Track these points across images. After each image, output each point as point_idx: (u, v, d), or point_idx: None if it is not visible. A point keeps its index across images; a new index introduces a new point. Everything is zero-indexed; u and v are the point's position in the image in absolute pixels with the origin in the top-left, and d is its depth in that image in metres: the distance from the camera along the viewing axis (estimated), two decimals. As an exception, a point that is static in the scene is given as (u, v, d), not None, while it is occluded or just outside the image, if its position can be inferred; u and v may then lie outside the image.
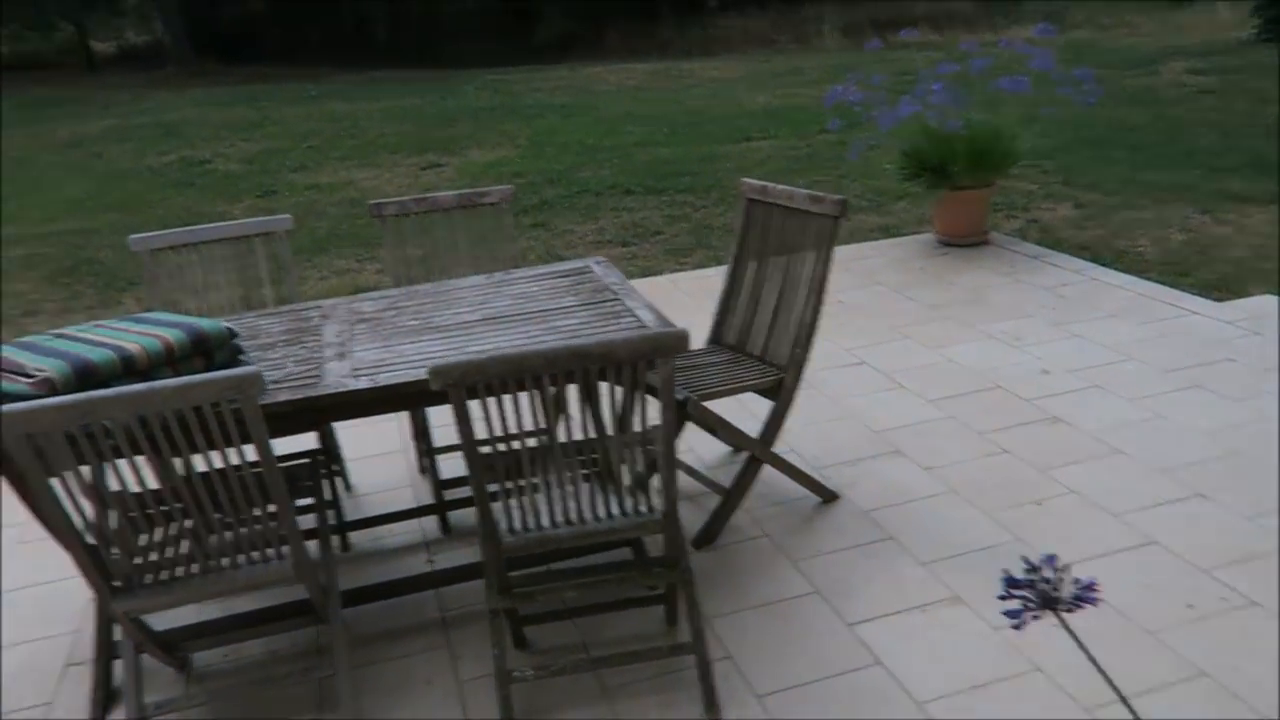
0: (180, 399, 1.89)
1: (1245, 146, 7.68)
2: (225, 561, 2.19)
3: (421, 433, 3.28)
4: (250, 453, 2.00)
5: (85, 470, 2.00)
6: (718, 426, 2.91)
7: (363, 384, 2.28)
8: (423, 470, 3.48)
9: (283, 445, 3.24)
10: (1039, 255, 5.45)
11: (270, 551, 2.20)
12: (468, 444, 2.07)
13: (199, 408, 1.91)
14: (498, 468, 2.21)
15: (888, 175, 6.92)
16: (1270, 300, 4.52)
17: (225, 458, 1.99)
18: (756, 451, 2.97)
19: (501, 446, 2.12)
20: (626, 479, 2.34)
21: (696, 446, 3.46)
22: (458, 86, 15.93)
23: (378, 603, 2.73)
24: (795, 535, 2.96)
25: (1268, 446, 3.24)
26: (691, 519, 2.99)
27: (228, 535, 2.17)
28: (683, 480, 3.10)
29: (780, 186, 3.06)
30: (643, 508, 2.27)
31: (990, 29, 11.21)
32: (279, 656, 2.61)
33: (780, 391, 2.94)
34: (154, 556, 2.21)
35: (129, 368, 2.14)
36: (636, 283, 4.50)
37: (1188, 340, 4.13)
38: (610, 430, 2.31)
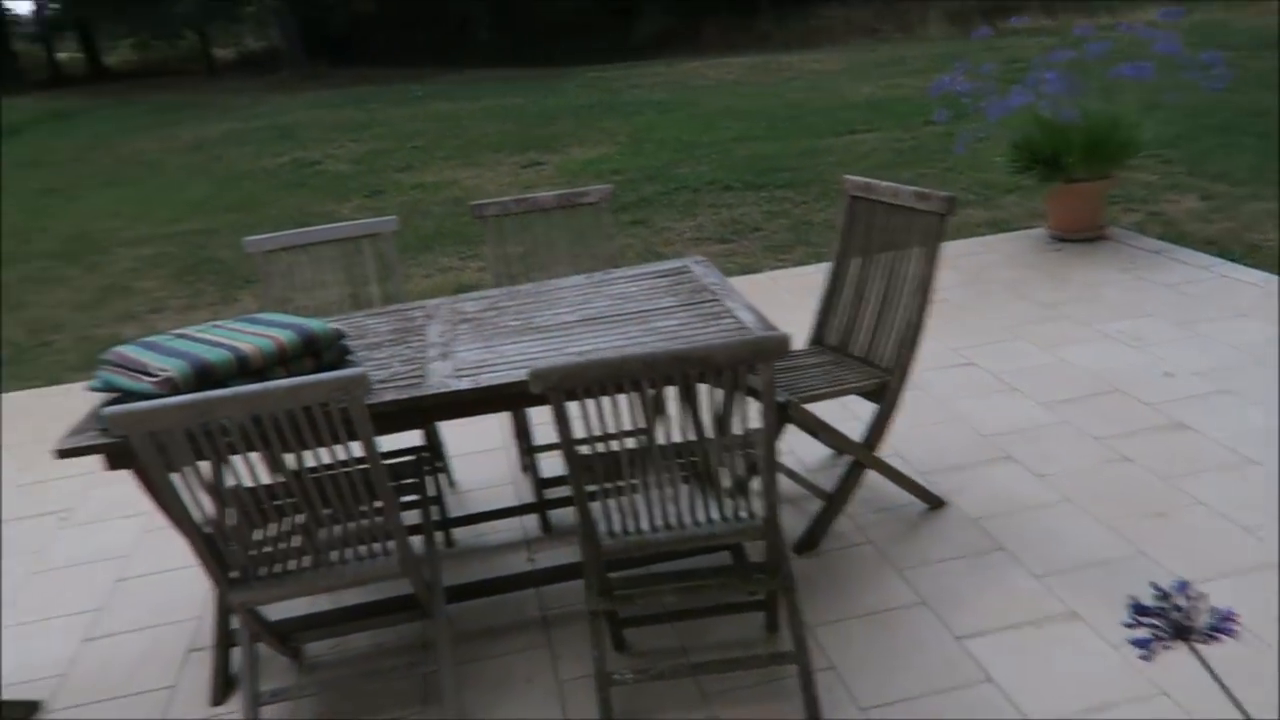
0: (291, 399, 1.95)
1: (1393, 131, 7.16)
2: (334, 556, 2.25)
3: (522, 431, 3.32)
4: (358, 449, 2.04)
5: (204, 466, 2.08)
6: (819, 429, 2.85)
7: (465, 385, 2.31)
8: (524, 468, 3.53)
9: (389, 441, 3.34)
10: (1161, 250, 5.18)
11: (377, 547, 2.25)
12: (567, 445, 2.08)
13: (309, 407, 1.97)
14: (596, 469, 2.21)
15: (997, 168, 6.69)
16: None
17: (333, 454, 2.04)
18: (860, 455, 2.90)
19: (600, 447, 2.12)
20: (726, 482, 2.31)
21: (797, 448, 3.40)
22: (558, 84, 16.11)
23: (480, 599, 2.77)
24: (900, 543, 2.89)
25: None
26: (792, 524, 2.94)
27: (337, 530, 2.23)
28: (783, 484, 3.05)
29: (884, 183, 2.98)
30: (743, 513, 2.24)
31: (1108, 12, 10.70)
32: (385, 649, 2.67)
33: (885, 394, 2.86)
34: (268, 550, 2.29)
35: (244, 367, 2.21)
36: (735, 280, 4.46)
37: (1328, 341, 3.87)
38: (709, 433, 2.29)
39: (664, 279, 2.98)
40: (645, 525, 2.22)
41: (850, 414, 3.14)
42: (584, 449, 2.11)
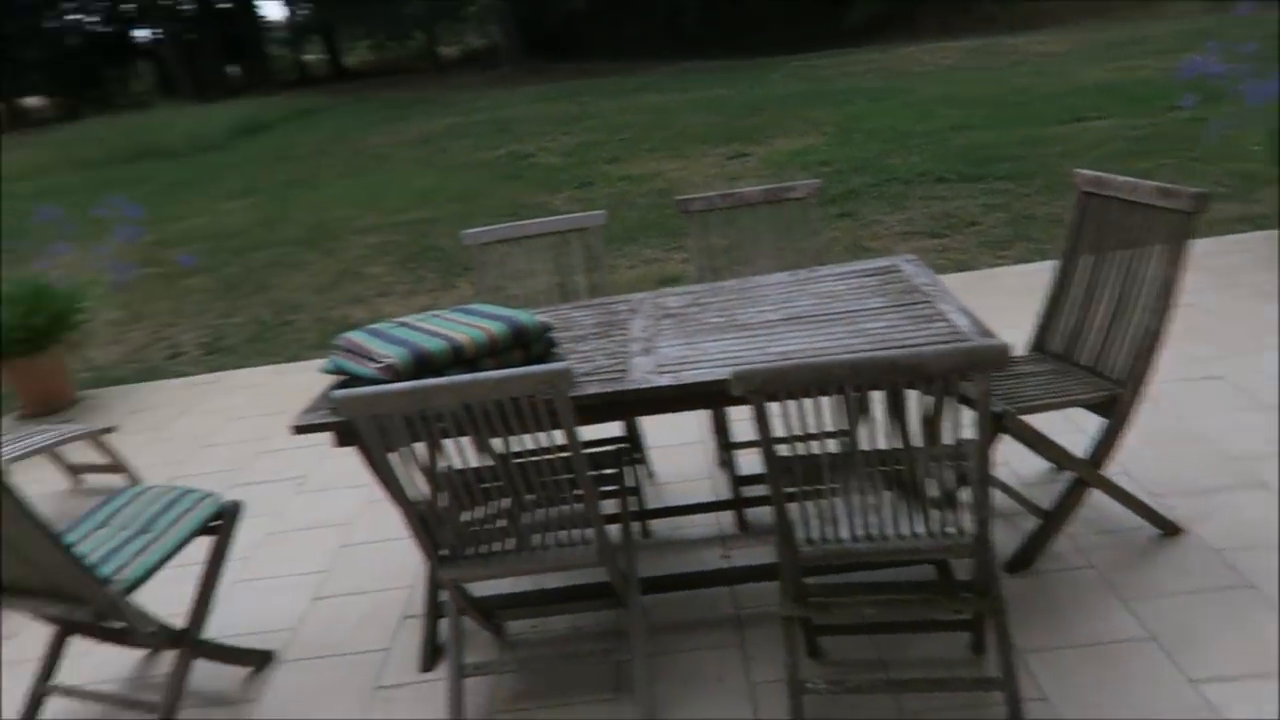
0: (500, 390, 2.02)
1: None
2: (536, 541, 2.32)
3: (720, 426, 3.30)
4: (560, 437, 2.10)
5: (420, 447, 2.19)
6: (1038, 443, 2.66)
7: (666, 381, 2.32)
8: (721, 463, 3.51)
9: (590, 431, 3.42)
10: None
11: (576, 534, 2.31)
12: (766, 446, 2.04)
13: (516, 398, 2.04)
14: (796, 471, 2.16)
15: (1255, 157, 6.02)
16: None
17: (537, 441, 2.10)
18: (1083, 473, 2.69)
19: (801, 449, 2.07)
20: (933, 494, 2.20)
21: (1012, 460, 3.20)
22: (765, 74, 15.97)
23: (674, 593, 2.79)
24: (1127, 570, 2.65)
25: None
26: (1004, 540, 2.77)
27: (539, 516, 2.30)
28: (995, 498, 2.88)
29: (1121, 178, 2.74)
30: (950, 527, 2.13)
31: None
32: (582, 633, 2.74)
33: (1115, 407, 2.64)
34: (475, 531, 2.39)
35: (458, 357, 2.33)
36: (948, 278, 4.25)
37: None
38: (917, 441, 2.18)
39: (872, 278, 2.87)
40: (845, 534, 2.15)
41: (1073, 426, 2.92)
42: (783, 450, 2.06)
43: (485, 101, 17.90)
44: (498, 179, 10.46)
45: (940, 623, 2.44)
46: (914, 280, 2.78)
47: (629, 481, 2.93)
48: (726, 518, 3.19)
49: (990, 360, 1.88)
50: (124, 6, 34.39)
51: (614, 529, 2.57)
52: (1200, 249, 4.90)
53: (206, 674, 2.73)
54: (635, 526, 3.15)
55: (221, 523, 2.70)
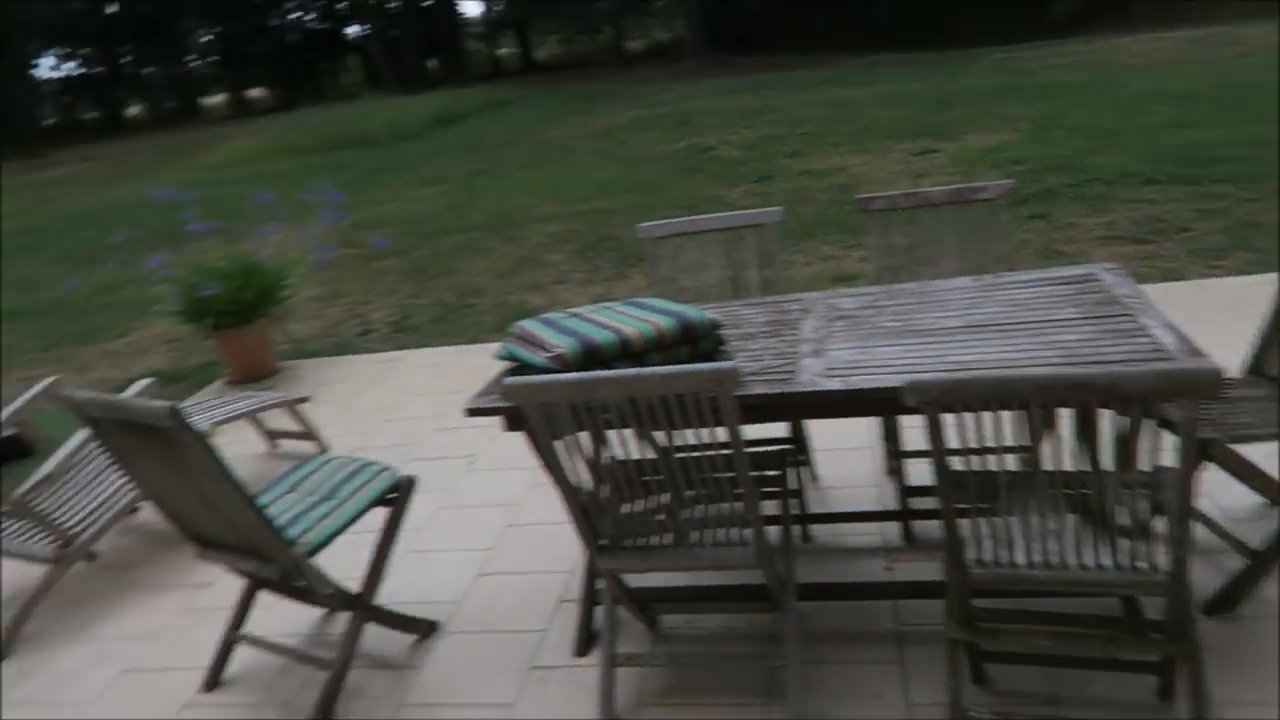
0: (666, 386, 2.02)
1: None
2: (694, 538, 2.30)
3: (891, 433, 3.18)
4: (724, 435, 2.07)
5: (584, 437, 2.22)
6: (1249, 475, 2.41)
7: (835, 385, 2.24)
8: (889, 472, 3.39)
9: (753, 430, 3.37)
10: None
11: (735, 534, 2.28)
12: (939, 459, 1.94)
13: (681, 395, 2.03)
14: (970, 487, 2.04)
15: None
16: None
17: (700, 439, 2.08)
18: (1302, 511, 2.41)
19: (976, 464, 1.95)
20: (1123, 522, 2.03)
21: (1215, 490, 2.92)
22: (961, 67, 15.31)
23: (833, 601, 2.71)
24: (1350, 623, 2.37)
25: None
26: (1203, 579, 2.53)
27: (698, 512, 2.28)
28: (1195, 531, 2.63)
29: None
30: (1141, 561, 1.96)
31: None
32: (736, 634, 2.70)
33: (1346, 442, 2.35)
34: (634, 524, 2.40)
35: (626, 350, 2.34)
36: (1152, 288, 3.94)
37: None
38: (1108, 466, 2.02)
39: (1066, 286, 2.68)
40: (1020, 558, 2.01)
41: (1292, 459, 2.63)
42: (957, 463, 1.96)
43: (669, 94, 18.04)
44: (677, 171, 10.51)
45: (1124, 663, 2.25)
46: (1114, 290, 2.58)
47: (791, 484, 2.87)
48: (892, 528, 3.07)
49: (1199, 384, 1.71)
50: (338, 5, 36.93)
51: (773, 531, 2.52)
52: None
53: (376, 637, 2.87)
54: (795, 530, 3.08)
55: (397, 495, 2.84)
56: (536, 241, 8.31)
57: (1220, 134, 8.03)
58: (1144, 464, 1.95)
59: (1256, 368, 2.70)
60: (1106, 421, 1.94)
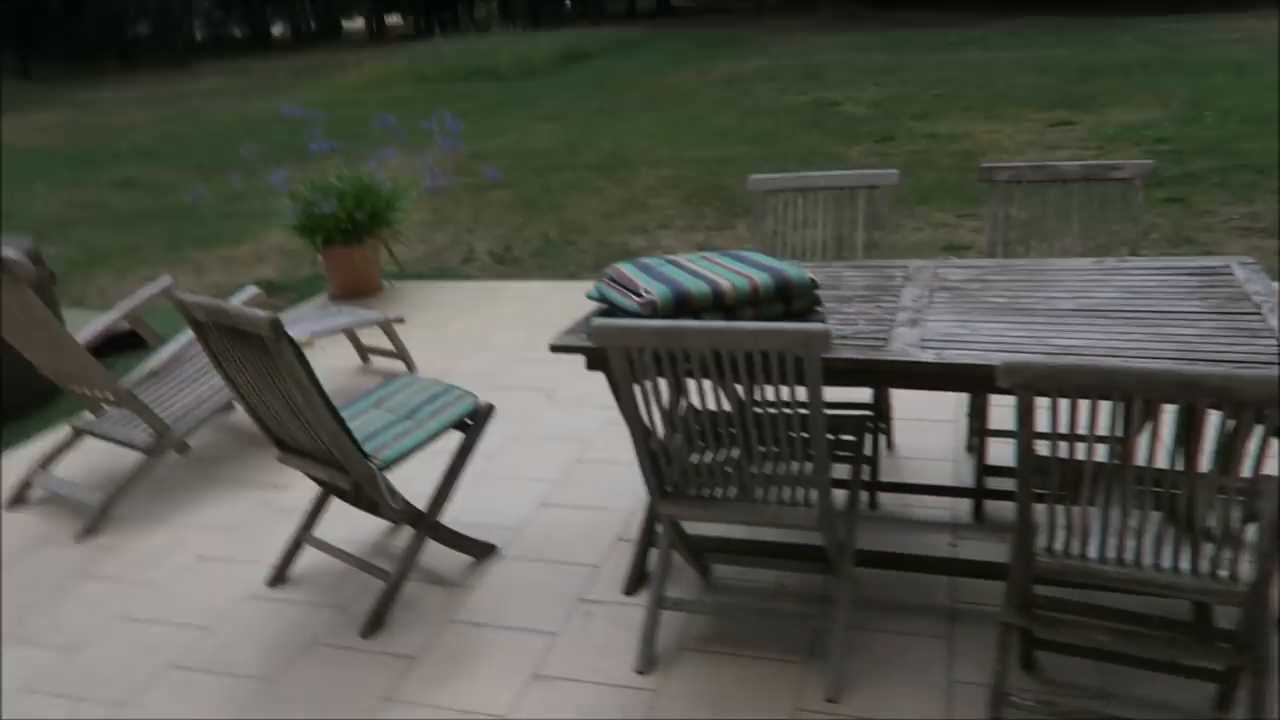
0: (754, 342, 1.97)
1: None
2: (759, 494, 2.26)
3: (979, 410, 3.06)
4: (804, 395, 2.01)
5: (663, 383, 2.19)
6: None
7: (927, 357, 2.15)
8: (969, 448, 3.27)
9: (835, 392, 3.28)
10: None
11: (800, 495, 2.23)
12: (1024, 442, 1.84)
13: (766, 352, 1.98)
14: (1052, 473, 1.94)
15: None
16: None
17: (779, 396, 2.03)
18: None
19: (1063, 451, 1.85)
20: (1211, 528, 1.90)
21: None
22: (1113, 36, 14.42)
23: (889, 570, 2.64)
24: None
25: None
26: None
27: (767, 469, 2.24)
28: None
29: None
30: (1223, 570, 1.83)
31: None
32: (786, 591, 2.67)
33: None
34: (701, 474, 2.37)
35: (718, 302, 2.29)
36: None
37: None
38: (1205, 468, 1.88)
39: (1193, 277, 2.49)
40: (1093, 552, 1.91)
41: None
42: (1043, 447, 1.86)
43: (799, 46, 17.57)
44: (798, 125, 10.26)
45: (1182, 667, 2.12)
46: (1246, 286, 2.39)
47: (866, 450, 2.79)
48: (963, 505, 2.96)
49: (1319, 392, 1.56)
50: (479, -66, 37.07)
51: (840, 495, 2.46)
52: None
53: (435, 554, 2.94)
54: (863, 497, 3.01)
55: (474, 422, 2.88)
56: (645, 185, 8.26)
57: (1396, 126, 7.36)
58: (1244, 470, 1.82)
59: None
60: (1211, 422, 1.80)
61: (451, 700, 2.36)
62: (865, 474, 2.92)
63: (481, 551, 2.96)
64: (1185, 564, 1.86)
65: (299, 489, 3.44)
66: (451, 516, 3.10)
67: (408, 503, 2.76)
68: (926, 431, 3.43)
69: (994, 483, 2.90)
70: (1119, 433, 1.84)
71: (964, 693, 2.22)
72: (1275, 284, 2.40)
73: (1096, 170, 3.10)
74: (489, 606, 2.72)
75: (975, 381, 2.15)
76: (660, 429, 2.23)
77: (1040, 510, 1.97)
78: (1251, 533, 1.86)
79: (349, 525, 3.15)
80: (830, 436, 2.64)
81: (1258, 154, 7.01)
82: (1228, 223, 5.69)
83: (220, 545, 3.19)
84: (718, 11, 29.76)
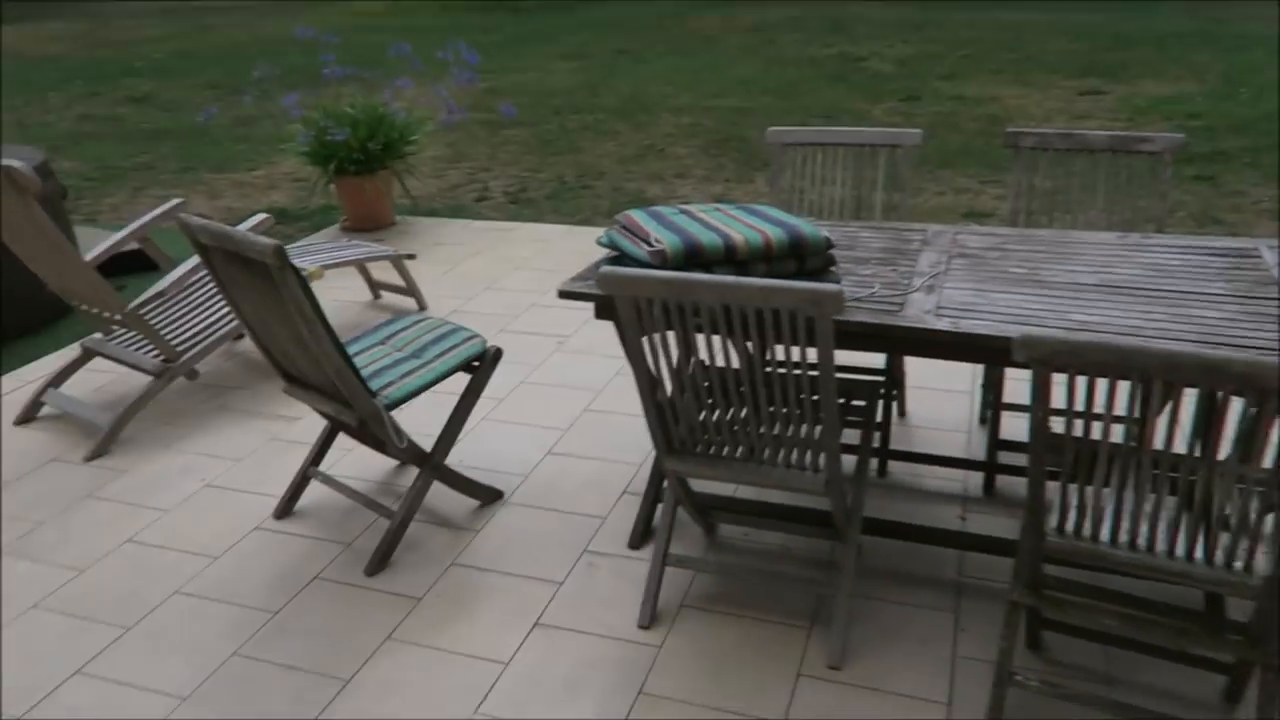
0: (764, 299, 1.93)
1: None
2: (767, 455, 2.25)
3: (993, 382, 3.03)
4: (815, 357, 1.99)
5: (671, 337, 2.16)
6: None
7: (942, 325, 2.12)
8: (982, 420, 3.25)
9: (846, 356, 3.26)
10: None
11: (808, 459, 2.21)
12: (1039, 420, 1.81)
13: (778, 310, 1.94)
14: (1066, 451, 1.91)
15: None
16: None
17: (788, 357, 2.01)
18: None
19: (1078, 429, 1.82)
20: (1227, 516, 1.88)
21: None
22: (1150, 4, 14.08)
23: (897, 540, 2.64)
24: None
25: None
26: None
27: (775, 431, 2.22)
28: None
29: None
30: (1238, 562, 1.81)
31: None
32: (791, 555, 2.66)
33: None
34: (708, 431, 2.35)
35: (730, 256, 2.25)
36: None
37: None
38: (1224, 455, 1.86)
39: (1219, 258, 2.45)
40: (1106, 535, 1.89)
41: None
42: (1058, 424, 1.83)
43: (828, -4, 17.18)
44: (821, 78, 10.07)
45: (1191, 656, 2.12)
46: (1274, 270, 2.34)
47: (877, 416, 2.77)
48: (974, 479, 2.95)
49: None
50: None
51: (849, 459, 2.45)
52: None
53: (441, 496, 2.94)
54: (872, 463, 3.00)
55: (481, 364, 2.86)
56: (664, 131, 8.13)
57: None
58: (1266, 461, 1.79)
59: None
60: (1233, 408, 1.77)
61: (452, 643, 2.38)
62: (875, 441, 2.90)
63: (487, 496, 2.96)
64: (1200, 553, 1.84)
65: (308, 422, 3.43)
66: (458, 459, 3.10)
67: (414, 443, 2.74)
68: (940, 401, 3.41)
69: (1007, 457, 2.88)
70: (1136, 414, 1.81)
71: (968, 668, 2.22)
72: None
73: (1125, 142, 3.03)
74: (493, 552, 2.72)
75: (990, 353, 2.12)
76: (668, 382, 2.20)
77: (1053, 489, 1.95)
78: (1270, 524, 1.84)
79: (356, 461, 3.15)
80: (841, 400, 2.61)
81: (1291, 135, 6.88)
82: (1257, 204, 5.59)
83: (228, 474, 3.19)
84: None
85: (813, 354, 1.99)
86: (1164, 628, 2.03)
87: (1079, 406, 1.78)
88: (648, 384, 2.20)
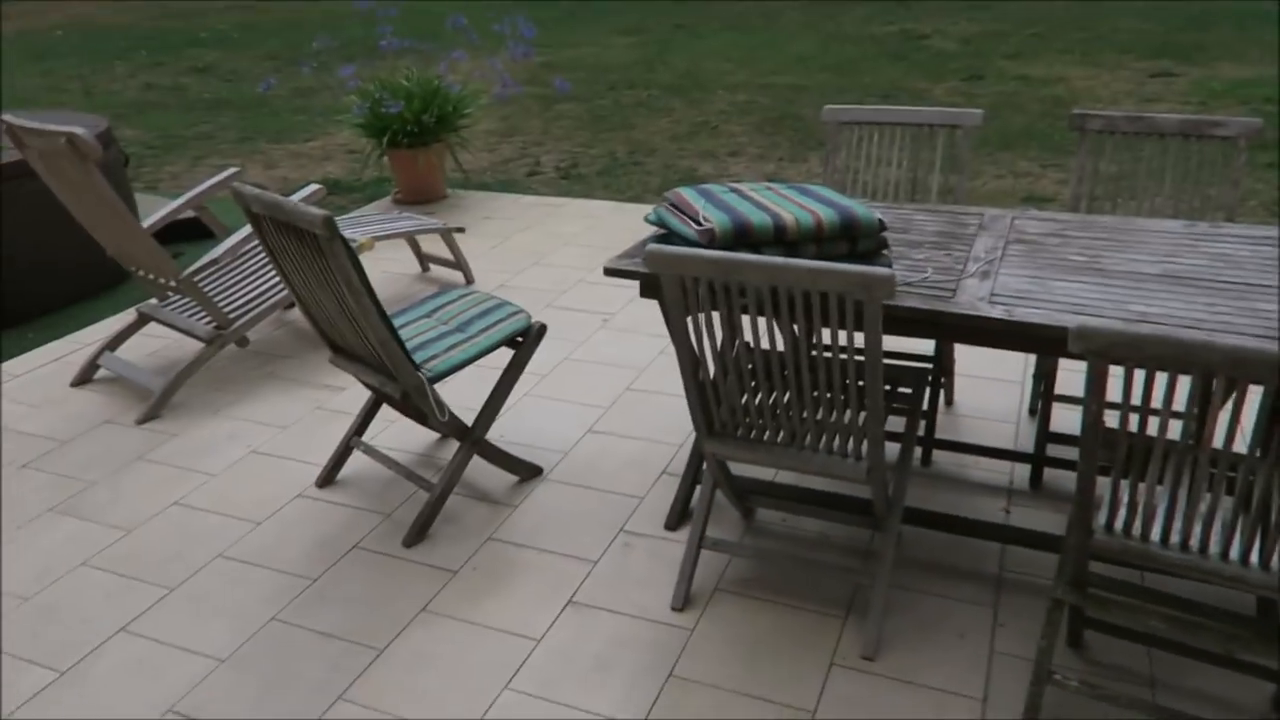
0: (813, 281, 1.89)
1: None
2: (808, 440, 2.21)
3: (1046, 373, 2.94)
4: (861, 340, 1.94)
5: (717, 317, 2.13)
6: None
7: (996, 313, 2.06)
8: (1032, 411, 3.17)
9: (895, 342, 3.19)
10: None
11: (850, 446, 2.17)
12: (1093, 414, 1.75)
13: (826, 293, 1.90)
14: (1120, 449, 1.85)
15: None
16: None
17: (835, 341, 1.97)
18: None
19: (1133, 424, 1.76)
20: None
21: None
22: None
23: (938, 532, 2.58)
24: None
25: None
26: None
27: (819, 416, 2.18)
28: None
29: None
30: (1295, 568, 1.74)
31: None
32: (829, 542, 2.63)
33: None
34: (750, 415, 2.32)
35: (780, 236, 2.21)
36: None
37: None
38: (1284, 456, 1.78)
39: (1292, 248, 2.34)
40: (1157, 534, 1.83)
41: None
42: (1112, 419, 1.77)
43: (892, -28, 16.81)
44: (882, 56, 9.87)
45: (1242, 662, 2.05)
46: (1348, 263, 2.24)
47: (923, 404, 2.71)
48: (1021, 471, 2.88)
49: None
50: None
51: (893, 447, 2.40)
52: None
53: (481, 471, 2.95)
54: (917, 452, 2.94)
55: (525, 340, 2.85)
56: (718, 109, 8.05)
57: None
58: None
59: None
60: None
61: (486, 617, 2.39)
62: (920, 429, 2.85)
63: (527, 472, 2.96)
64: (1256, 557, 1.77)
65: (353, 392, 3.47)
66: (498, 434, 3.11)
67: (455, 416, 2.75)
68: (989, 390, 3.33)
69: (1056, 450, 2.81)
70: (1195, 411, 1.73)
71: (1005, 664, 2.18)
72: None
73: (1198, 126, 2.91)
74: (530, 528, 2.73)
75: (1045, 343, 2.06)
76: (711, 363, 2.17)
77: (1102, 484, 1.89)
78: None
79: (398, 433, 3.18)
80: (887, 387, 2.56)
81: (1375, 123, 6.58)
82: (1333, 195, 5.37)
83: (274, 441, 3.24)
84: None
85: (860, 339, 1.95)
86: (1213, 631, 1.96)
87: (1135, 401, 1.72)
88: (690, 364, 2.18)
